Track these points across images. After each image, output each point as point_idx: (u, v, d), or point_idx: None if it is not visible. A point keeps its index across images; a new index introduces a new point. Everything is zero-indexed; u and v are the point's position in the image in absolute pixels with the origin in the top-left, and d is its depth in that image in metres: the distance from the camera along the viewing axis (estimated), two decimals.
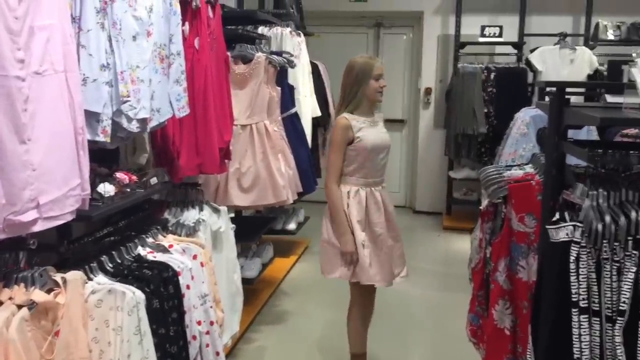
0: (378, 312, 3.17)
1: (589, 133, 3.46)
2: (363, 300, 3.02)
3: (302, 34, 4.63)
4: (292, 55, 4.04)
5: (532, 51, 5.80)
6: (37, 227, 1.58)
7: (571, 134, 2.01)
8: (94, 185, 2.00)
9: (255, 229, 4.27)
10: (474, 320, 2.22)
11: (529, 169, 2.14)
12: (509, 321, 2.02)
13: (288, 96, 3.91)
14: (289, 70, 4.01)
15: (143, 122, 2.10)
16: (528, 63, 5.81)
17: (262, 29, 4.25)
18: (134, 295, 1.86)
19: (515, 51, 6.13)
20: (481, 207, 2.19)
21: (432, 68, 6.76)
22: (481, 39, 6.10)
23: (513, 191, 2.00)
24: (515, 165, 2.31)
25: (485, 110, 5.91)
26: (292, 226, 5.11)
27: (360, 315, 3.03)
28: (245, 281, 3.79)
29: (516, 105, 4.26)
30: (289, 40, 4.34)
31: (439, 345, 3.66)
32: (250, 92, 3.55)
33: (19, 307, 1.51)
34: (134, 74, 2.03)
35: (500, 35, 6.05)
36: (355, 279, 2.88)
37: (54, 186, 1.60)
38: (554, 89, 1.95)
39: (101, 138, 1.90)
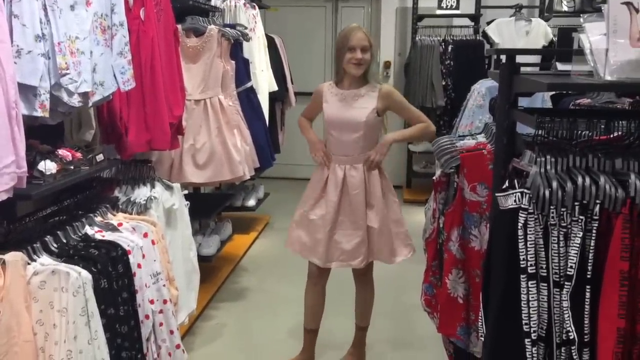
0: (336, 283, 3.14)
1: (544, 103, 3.49)
2: (314, 275, 2.94)
3: (257, 7, 4.53)
4: (246, 28, 3.95)
5: (488, 23, 5.83)
6: None
7: (526, 104, 2.02)
8: (35, 163, 1.92)
9: (213, 206, 4.21)
10: (428, 290, 2.23)
11: (481, 138, 2.14)
12: (462, 290, 2.04)
13: (243, 70, 3.82)
14: (244, 43, 3.92)
15: (85, 95, 2.01)
16: (485, 35, 5.83)
17: (214, 1, 4.13)
18: (80, 275, 1.80)
19: (472, 23, 6.15)
20: (434, 178, 2.19)
21: (391, 41, 6.73)
22: (438, 12, 6.09)
23: (465, 160, 2.00)
24: (468, 135, 2.31)
25: (444, 83, 5.93)
26: (251, 202, 5.06)
27: (311, 290, 2.97)
28: (204, 259, 3.75)
29: (473, 78, 4.27)
30: (243, 13, 4.24)
31: (397, 315, 3.69)
32: (203, 66, 3.46)
33: None
34: (73, 46, 1.94)
35: (457, 8, 6.06)
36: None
37: None
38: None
39: (39, 113, 1.81)
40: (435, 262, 2.16)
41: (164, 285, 2.29)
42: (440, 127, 5.93)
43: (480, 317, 1.77)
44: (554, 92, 2.99)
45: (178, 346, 2.32)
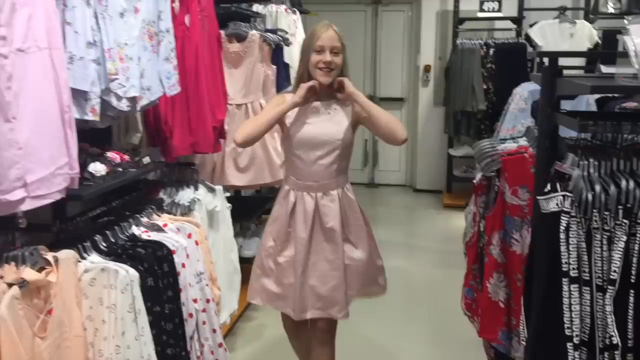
0: None
1: (588, 107, 3.43)
2: (290, 328, 2.54)
3: (297, 12, 4.58)
4: (287, 33, 4.00)
5: (531, 26, 5.74)
6: (25, 206, 1.57)
7: (570, 108, 1.99)
8: (85, 165, 2.00)
9: (253, 208, 4.27)
10: (468, 293, 2.23)
11: (523, 141, 2.13)
12: (503, 294, 2.02)
13: (284, 75, 3.87)
14: (285, 48, 3.97)
15: (133, 100, 2.08)
16: (528, 38, 5.75)
17: (256, 7, 4.21)
18: (128, 273, 1.86)
19: (515, 26, 6.08)
20: (474, 181, 2.18)
21: (431, 45, 6.71)
22: (480, 14, 6.04)
23: (506, 164, 1.99)
24: (509, 139, 2.30)
25: (485, 87, 5.88)
26: None
27: (295, 344, 2.60)
28: (245, 260, 3.80)
29: (516, 81, 4.21)
30: (284, 18, 4.31)
31: (437, 319, 3.68)
32: (245, 71, 3.52)
33: (10, 285, 1.51)
34: (122, 52, 2.01)
35: (499, 10, 5.99)
36: (254, 297, 2.48)
37: (41, 165, 1.59)
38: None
39: (90, 117, 1.88)
40: (476, 265, 2.15)
41: (207, 285, 2.34)
42: (482, 131, 5.88)
43: (521, 322, 1.76)
44: (599, 96, 2.95)
45: (220, 345, 2.37)
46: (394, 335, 3.47)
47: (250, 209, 4.25)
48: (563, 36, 5.73)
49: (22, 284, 1.53)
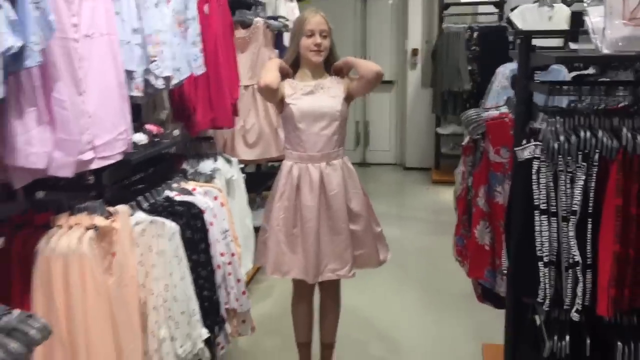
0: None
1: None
2: (301, 291, 2.74)
3: (294, 0, 4.89)
4: (287, 20, 4.31)
5: (512, 10, 6.08)
6: (94, 165, 1.90)
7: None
8: None
9: (257, 183, 4.59)
10: (459, 241, 2.58)
11: (504, 109, 2.48)
12: (488, 238, 2.38)
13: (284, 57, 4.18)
14: (285, 33, 4.28)
15: (167, 79, 2.40)
16: (509, 21, 6.07)
17: None
18: (172, 225, 2.19)
19: (497, 10, 6.42)
20: (462, 143, 2.53)
21: (418, 30, 7.04)
22: (464, 0, 6.37)
23: (490, 127, 2.34)
24: (492, 108, 2.65)
25: (470, 68, 6.22)
26: None
27: (299, 306, 2.79)
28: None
29: (498, 62, 4.54)
30: (283, 6, 4.62)
31: (429, 278, 4.07)
32: (250, 55, 3.84)
33: (86, 229, 1.84)
34: (157, 37, 2.32)
35: None
36: (266, 267, 2.65)
37: (106, 131, 1.92)
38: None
39: (135, 93, 2.20)
40: (465, 216, 2.50)
41: (231, 241, 2.68)
42: (467, 109, 6.21)
43: (503, 258, 2.12)
44: (576, 73, 3.30)
45: (244, 292, 2.71)
46: (391, 292, 3.84)
47: (254, 183, 4.57)
48: (542, 19, 6.06)
49: (95, 228, 1.86)
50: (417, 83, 7.13)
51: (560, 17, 6.09)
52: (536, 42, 2.17)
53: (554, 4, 6.02)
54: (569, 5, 6.01)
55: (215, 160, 3.04)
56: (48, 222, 1.86)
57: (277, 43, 4.07)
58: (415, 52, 7.07)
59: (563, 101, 2.06)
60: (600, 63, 2.30)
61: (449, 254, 2.76)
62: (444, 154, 6.83)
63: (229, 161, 3.12)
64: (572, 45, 2.22)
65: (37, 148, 1.58)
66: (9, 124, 1.52)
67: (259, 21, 3.83)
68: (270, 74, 2.45)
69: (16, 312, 1.54)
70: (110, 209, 2.03)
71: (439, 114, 6.60)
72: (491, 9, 6.44)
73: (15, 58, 1.43)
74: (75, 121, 1.78)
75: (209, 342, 2.45)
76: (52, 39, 1.53)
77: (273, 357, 3.12)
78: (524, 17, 6.13)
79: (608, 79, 2.73)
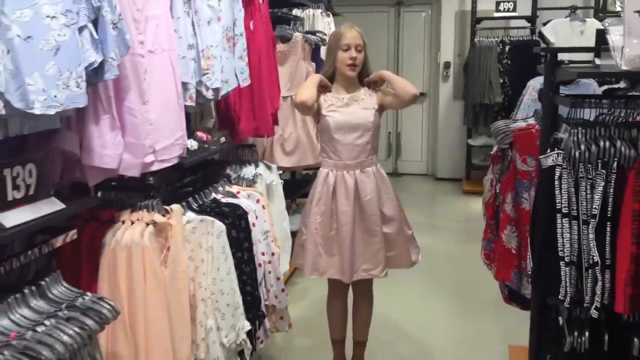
0: None
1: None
2: (336, 290, 2.90)
3: (330, 15, 5.10)
4: (324, 34, 4.52)
5: (544, 24, 6.19)
6: (154, 167, 2.11)
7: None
8: None
9: (294, 190, 4.79)
10: (487, 245, 2.72)
11: (531, 120, 2.62)
12: (515, 242, 2.52)
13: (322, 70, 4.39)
14: (322, 47, 4.49)
15: (216, 91, 2.61)
16: (541, 36, 6.20)
17: (295, 11, 4.73)
18: (220, 224, 2.39)
19: (529, 24, 6.53)
20: (491, 152, 2.68)
21: (451, 43, 7.19)
22: (496, 14, 6.51)
23: (517, 138, 2.49)
24: (520, 120, 2.79)
25: (501, 81, 6.35)
26: None
27: (334, 304, 2.94)
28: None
29: (529, 76, 4.63)
30: (320, 21, 4.82)
31: (458, 284, 4.22)
32: (289, 68, 4.05)
33: (147, 224, 2.05)
34: (209, 52, 2.54)
35: (514, 10, 6.46)
36: (304, 268, 2.81)
37: (165, 137, 2.13)
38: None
39: (189, 103, 2.40)
40: (493, 221, 2.65)
41: (272, 241, 2.87)
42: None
43: (529, 261, 2.26)
44: (606, 87, 3.40)
45: (283, 290, 2.90)
46: (421, 296, 3.99)
47: (290, 190, 4.77)
48: (574, 33, 6.17)
49: (154, 224, 2.07)
50: (449, 95, 7.27)
51: (592, 32, 6.08)
52: (568, 56, 2.31)
53: (586, 19, 6.13)
54: (600, 20, 6.09)
55: (257, 166, 3.24)
56: (113, 218, 2.08)
57: (315, 56, 4.27)
58: (447, 64, 7.22)
59: (592, 114, 2.20)
60: (619, 78, 2.43)
61: (478, 260, 2.89)
62: (475, 165, 6.93)
63: (269, 167, 3.32)
64: (597, 61, 2.34)
65: (110, 150, 1.79)
66: (87, 129, 1.74)
67: (297, 36, 4.04)
68: (306, 90, 2.62)
69: (89, 294, 1.75)
70: (166, 207, 2.24)
71: (470, 125, 6.73)
72: (523, 23, 6.56)
73: (96, 71, 1.64)
74: (141, 127, 2.00)
75: (250, 335, 2.63)
76: (127, 54, 1.75)
77: (307, 355, 3.28)
78: (556, 32, 6.24)
79: (637, 93, 2.86)
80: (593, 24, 6.07)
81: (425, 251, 2.97)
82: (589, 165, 1.89)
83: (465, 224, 5.59)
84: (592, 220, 1.88)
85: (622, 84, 3.04)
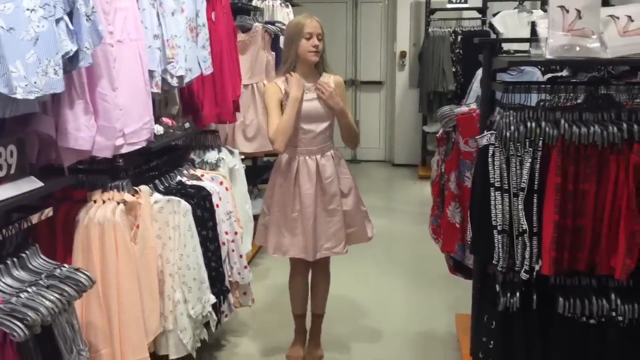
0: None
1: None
2: (299, 268, 3.03)
3: (290, 5, 5.26)
4: (283, 24, 4.67)
5: (494, 15, 6.48)
6: (124, 150, 2.26)
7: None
8: None
9: (255, 174, 4.96)
10: (434, 221, 2.95)
11: (473, 106, 2.85)
12: (458, 217, 2.75)
13: (281, 59, 4.55)
14: (281, 37, 4.65)
15: (180, 78, 2.75)
16: (491, 26, 6.46)
17: (255, 2, 4.87)
18: (186, 204, 2.55)
19: (480, 16, 6.81)
20: (437, 135, 2.90)
21: (406, 33, 7.43)
22: (449, 5, 6.78)
23: (460, 121, 2.72)
24: (463, 105, 3.03)
25: (454, 70, 6.63)
26: None
27: (296, 281, 3.07)
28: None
29: (479, 64, 4.90)
30: (279, 11, 4.98)
31: (412, 261, 4.47)
32: (250, 57, 4.21)
33: (117, 203, 2.20)
34: (173, 41, 2.68)
35: (465, 2, 6.75)
36: (267, 247, 2.95)
37: (133, 121, 2.27)
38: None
39: (155, 90, 2.55)
40: (439, 199, 2.88)
41: (235, 222, 3.04)
42: None
43: (468, 228, 2.49)
44: (550, 75, 3.66)
45: (245, 267, 3.08)
46: (379, 273, 4.23)
47: (251, 176, 4.93)
48: (522, 24, 6.45)
49: (125, 202, 2.22)
50: (405, 84, 7.52)
51: None
52: (515, 46, 2.51)
53: (532, 10, 6.44)
54: (546, 12, 6.40)
55: (220, 151, 3.40)
56: (85, 197, 2.22)
57: (274, 45, 4.43)
58: (403, 54, 7.46)
59: (533, 99, 2.42)
60: (544, 66, 2.68)
61: (431, 240, 3.10)
62: (430, 151, 7.18)
63: (231, 152, 3.48)
64: (532, 51, 2.58)
65: (84, 133, 1.93)
66: (63, 113, 1.88)
67: (257, 26, 4.19)
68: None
69: (66, 266, 1.90)
70: (135, 188, 2.39)
71: (425, 113, 7.00)
72: (474, 14, 6.84)
73: (71, 60, 1.79)
74: (112, 111, 2.14)
75: (215, 309, 2.81)
76: (99, 44, 1.89)
77: (269, 329, 3.47)
78: (505, 22, 6.54)
79: (575, 80, 3.12)
80: (539, 15, 6.40)
81: (383, 233, 3.11)
82: (518, 144, 2.12)
83: (421, 207, 5.83)
84: (521, 192, 2.12)
85: (565, 72, 3.31)
